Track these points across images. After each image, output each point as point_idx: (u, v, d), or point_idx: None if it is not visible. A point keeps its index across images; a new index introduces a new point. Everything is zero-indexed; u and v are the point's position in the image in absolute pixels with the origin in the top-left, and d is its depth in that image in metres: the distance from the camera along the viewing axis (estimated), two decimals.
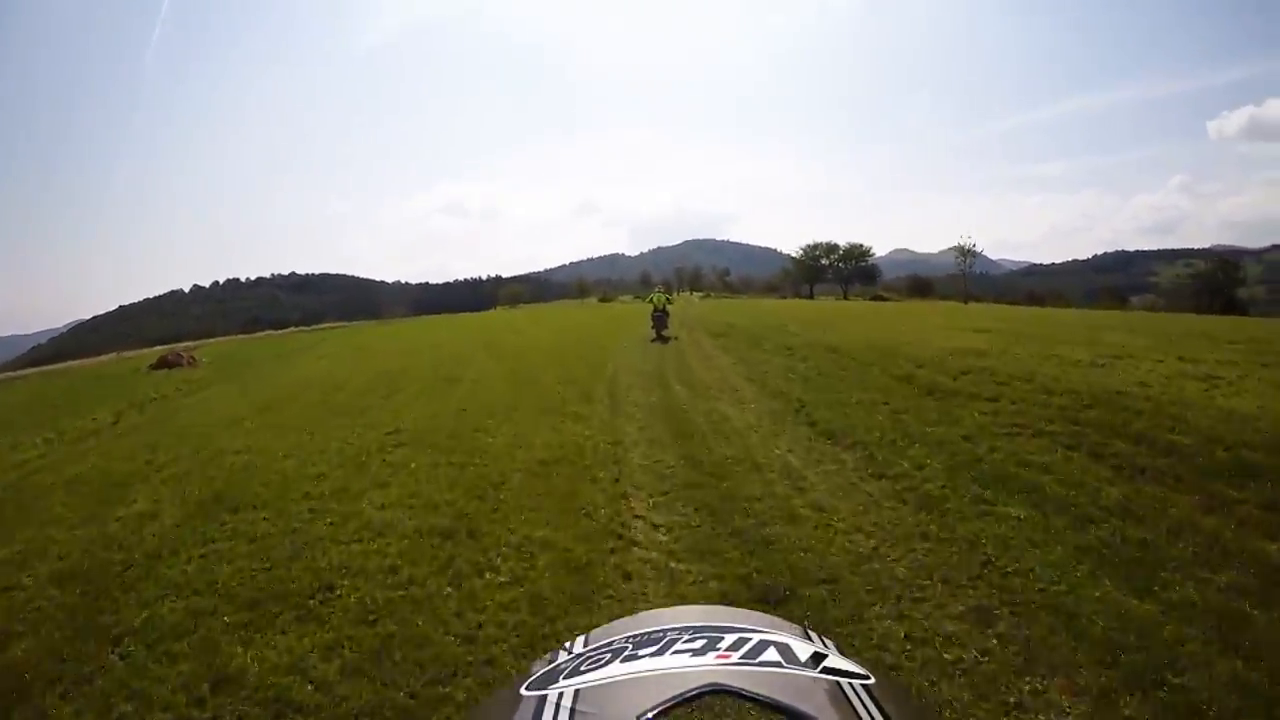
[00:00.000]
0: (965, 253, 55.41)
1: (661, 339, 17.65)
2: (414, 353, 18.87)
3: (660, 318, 18.39)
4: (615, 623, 0.83)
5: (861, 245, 59.02)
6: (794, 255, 61.27)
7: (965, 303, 50.24)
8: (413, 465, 6.99)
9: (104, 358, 34.59)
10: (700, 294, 54.19)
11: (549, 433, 8.03)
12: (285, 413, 10.85)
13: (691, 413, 8.83)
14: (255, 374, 18.31)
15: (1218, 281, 58.69)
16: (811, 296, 58.15)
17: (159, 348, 34.00)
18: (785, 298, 55.68)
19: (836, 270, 58.83)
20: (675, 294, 26.37)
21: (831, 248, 59.36)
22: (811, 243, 60.02)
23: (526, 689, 0.69)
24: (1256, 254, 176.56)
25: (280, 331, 48.03)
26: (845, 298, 57.01)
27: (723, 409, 8.94)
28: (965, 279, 56.74)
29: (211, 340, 45.63)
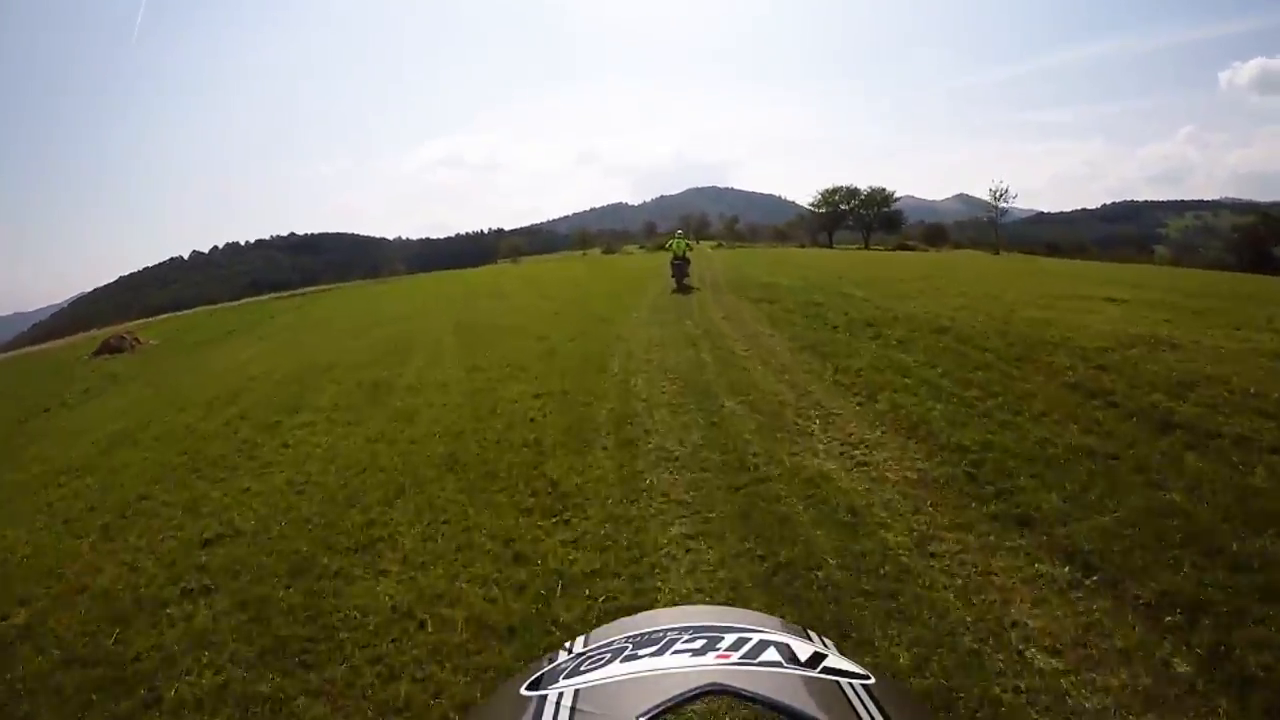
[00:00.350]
0: (998, 197, 50.68)
1: (683, 289, 16.27)
2: (363, 332, 15.14)
3: (680, 266, 16.98)
4: (615, 623, 0.83)
5: (884, 189, 54.08)
6: (810, 201, 56.36)
7: (996, 252, 45.90)
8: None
9: (59, 342, 31.95)
10: (712, 243, 49.66)
11: (499, 564, 4.13)
12: (133, 457, 7.32)
13: (774, 483, 4.86)
14: (175, 366, 15.35)
15: (1259, 235, 52.15)
16: (830, 245, 53.62)
17: (115, 327, 31.11)
18: (804, 246, 51.16)
19: (858, 217, 53.99)
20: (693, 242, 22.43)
21: (852, 192, 54.30)
22: (830, 187, 55.02)
23: (526, 689, 0.68)
24: (1266, 207, 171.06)
25: (262, 297, 44.92)
26: (866, 246, 52.45)
27: (826, 468, 5.10)
28: (996, 227, 52.19)
29: (190, 311, 42.39)
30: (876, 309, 11.06)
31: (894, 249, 49.09)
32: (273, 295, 46.47)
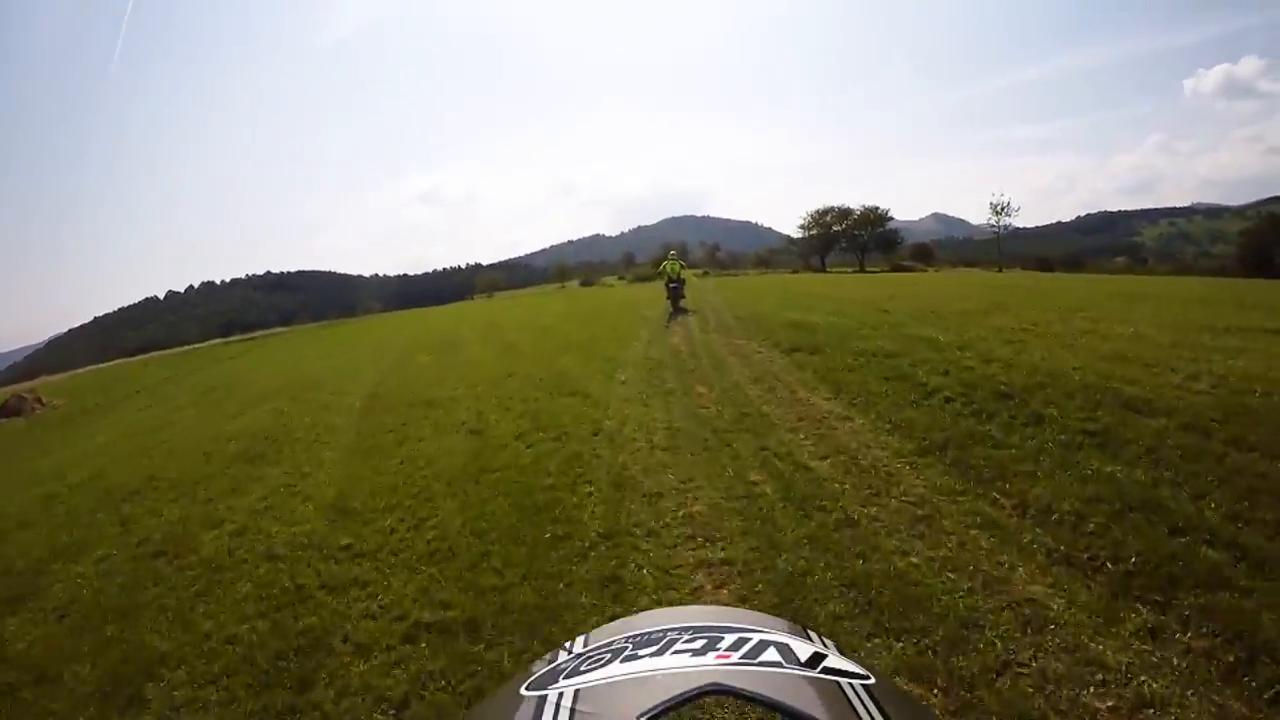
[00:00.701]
0: (999, 211, 47.80)
1: (679, 310, 15.98)
2: (248, 407, 11.14)
3: (676, 289, 16.67)
4: (615, 623, 0.83)
5: (877, 209, 50.83)
6: (800, 223, 52.94)
7: (999, 270, 42.86)
8: None
9: None
10: (697, 272, 46.06)
11: None
12: None
13: None
14: (43, 442, 12.57)
15: (1264, 239, 48.70)
16: (824, 269, 50.27)
17: (19, 385, 27.26)
18: (796, 271, 47.75)
19: (852, 238, 50.66)
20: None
21: (844, 213, 50.98)
22: (821, 208, 51.55)
23: (526, 689, 0.68)
24: (1239, 210, 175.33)
25: (206, 344, 41.29)
26: (862, 268, 49.20)
27: None
28: (1000, 241, 49.30)
29: (123, 360, 38.32)
30: (986, 361, 7.25)
31: (890, 270, 45.83)
32: (220, 341, 42.68)
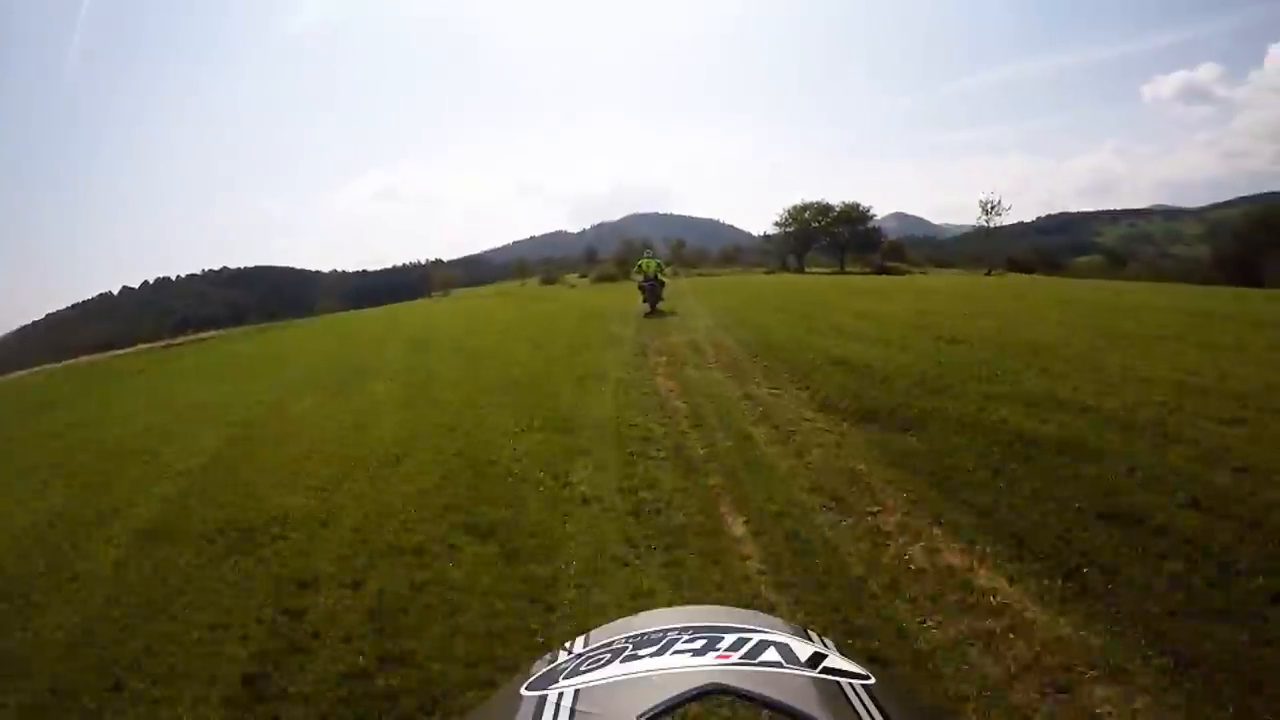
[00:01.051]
0: (989, 210, 45.07)
1: (657, 312, 15.43)
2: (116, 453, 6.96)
3: (652, 288, 16.08)
4: (615, 623, 0.83)
5: (858, 205, 47.69)
6: (776, 219, 49.43)
7: (988, 273, 40.29)
8: None
9: None
10: (668, 267, 41.54)
11: None
12: None
13: None
14: None
15: (1247, 243, 43.82)
16: (802, 269, 47.05)
17: None
18: (772, 271, 44.36)
19: (833, 236, 47.39)
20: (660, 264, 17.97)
21: (824, 209, 47.67)
22: (799, 203, 48.03)
23: (526, 689, 0.68)
24: (1196, 213, 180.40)
25: (106, 355, 36.12)
26: (843, 269, 46.15)
27: None
28: (988, 240, 46.78)
29: (23, 372, 32.92)
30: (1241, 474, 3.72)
31: (874, 271, 42.80)
32: (128, 351, 37.53)
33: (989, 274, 39.25)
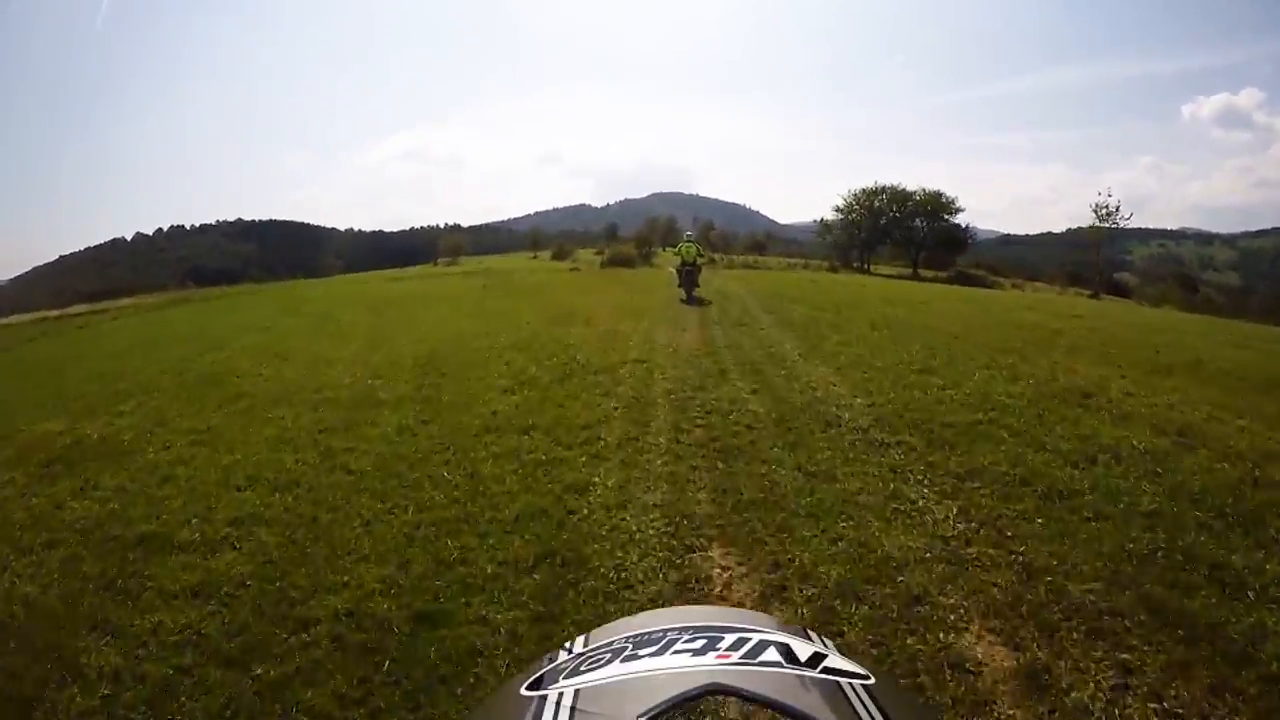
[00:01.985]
0: (1105, 217, 36.36)
1: (693, 300, 14.26)
2: None
3: (690, 273, 14.88)
4: (615, 623, 0.83)
5: (942, 194, 38.96)
6: (839, 205, 40.61)
7: (1097, 296, 32.04)
8: None
9: None
10: (699, 251, 31.10)
11: None
12: None
13: None
14: None
15: None
16: (865, 268, 38.87)
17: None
18: (835, 269, 36.30)
19: (906, 231, 38.71)
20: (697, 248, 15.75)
21: (900, 195, 39.02)
22: (869, 186, 39.27)
23: (526, 689, 0.68)
24: (1228, 239, 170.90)
25: (58, 312, 29.06)
26: (916, 274, 37.86)
27: None
28: (1100, 254, 38.26)
29: None
30: None
31: (952, 279, 34.56)
32: (83, 308, 30.47)
33: (1096, 297, 31.07)
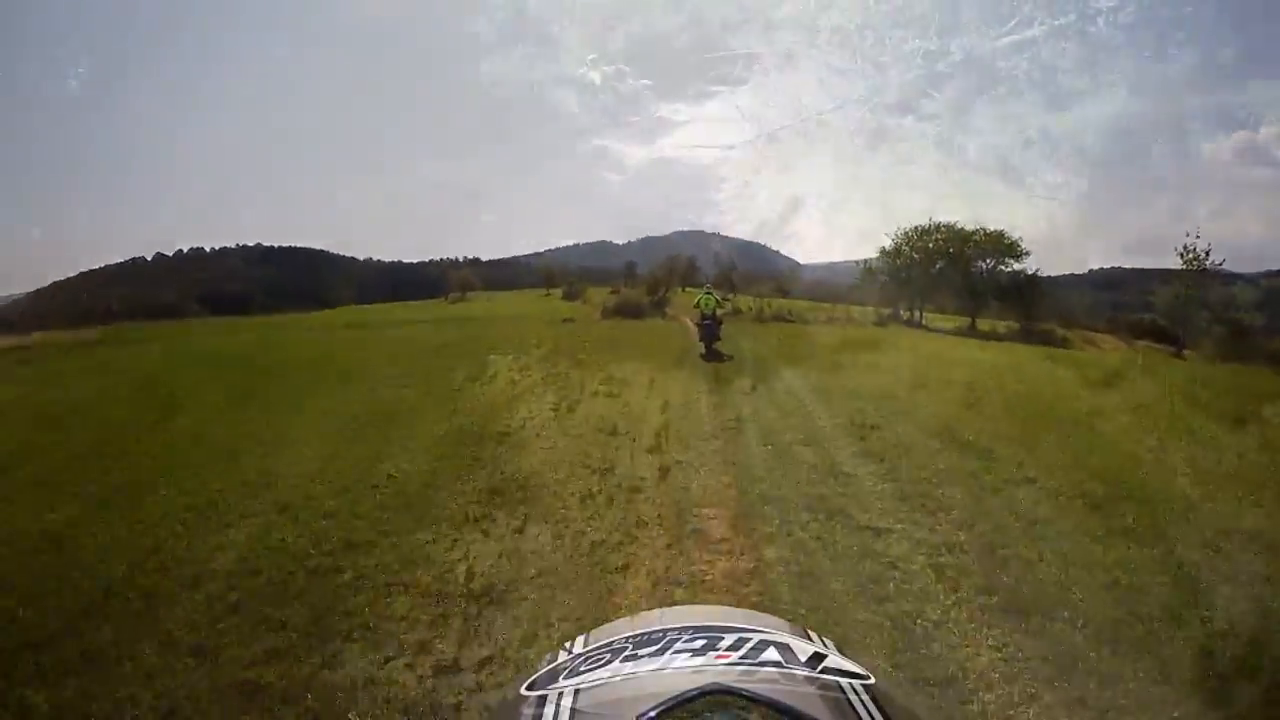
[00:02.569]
0: (1192, 260, 30.80)
1: (713, 354, 13.80)
2: None
3: (710, 327, 14.27)
4: (615, 623, 0.82)
5: (1003, 233, 33.59)
6: (888, 246, 35.35)
7: (1179, 353, 26.63)
8: None
9: None
10: (718, 302, 24.25)
11: None
12: None
13: None
14: None
15: None
16: (920, 323, 33.60)
17: None
18: (883, 323, 31.13)
19: (970, 277, 33.45)
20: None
21: (960, 236, 33.65)
22: (925, 224, 34.03)
23: (527, 689, 0.68)
24: (1252, 279, 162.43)
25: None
26: (974, 326, 32.45)
27: None
28: (1188, 305, 32.57)
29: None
30: None
31: (1025, 338, 29.18)
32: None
33: (1180, 355, 25.56)
